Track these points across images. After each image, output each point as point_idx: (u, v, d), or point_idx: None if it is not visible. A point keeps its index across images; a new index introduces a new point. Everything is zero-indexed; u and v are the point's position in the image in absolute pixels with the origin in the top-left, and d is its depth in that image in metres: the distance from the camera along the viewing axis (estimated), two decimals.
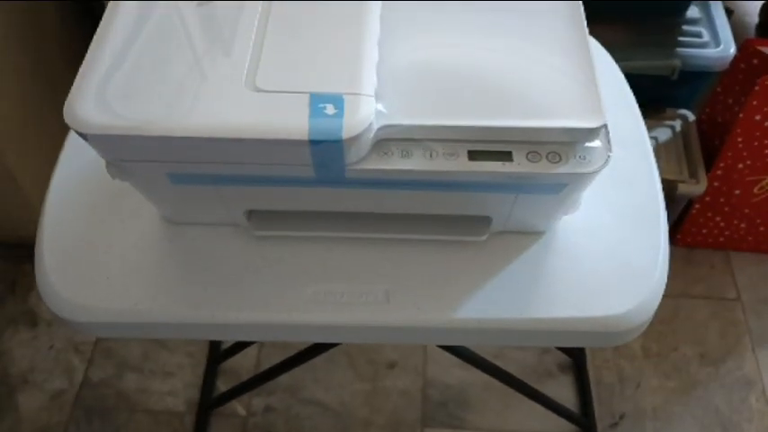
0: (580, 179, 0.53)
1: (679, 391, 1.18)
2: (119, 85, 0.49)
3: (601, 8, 0.85)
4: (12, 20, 1.11)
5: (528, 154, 0.52)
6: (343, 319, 0.59)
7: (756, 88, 1.04)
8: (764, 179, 1.18)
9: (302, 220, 0.62)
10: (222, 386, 1.18)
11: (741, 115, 1.08)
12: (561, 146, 0.52)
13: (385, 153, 0.52)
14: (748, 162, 1.15)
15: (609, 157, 0.52)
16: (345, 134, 0.47)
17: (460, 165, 0.52)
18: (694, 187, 1.18)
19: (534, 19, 0.57)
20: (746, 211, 1.24)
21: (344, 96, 0.49)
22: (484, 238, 0.62)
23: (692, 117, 1.28)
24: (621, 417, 1.14)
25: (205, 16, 0.54)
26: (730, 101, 1.20)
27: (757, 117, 1.08)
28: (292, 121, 0.47)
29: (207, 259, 0.62)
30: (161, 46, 0.52)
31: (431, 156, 0.52)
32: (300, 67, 0.51)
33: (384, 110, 0.50)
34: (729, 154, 1.15)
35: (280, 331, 0.61)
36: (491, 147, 0.52)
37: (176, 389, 1.18)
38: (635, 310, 0.60)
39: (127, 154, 0.50)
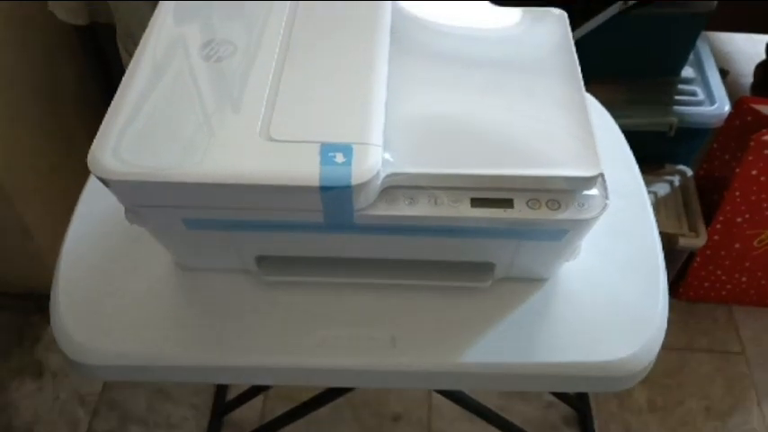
0: (579, 225, 0.55)
1: None
2: (140, 133, 0.52)
3: (599, 67, 0.89)
4: (31, 77, 1.16)
5: (528, 201, 0.54)
6: (351, 364, 0.61)
7: (751, 144, 1.07)
8: (763, 233, 1.19)
9: (311, 266, 0.64)
10: None
11: (738, 170, 1.11)
12: (560, 194, 0.55)
13: (392, 200, 0.54)
14: (747, 216, 1.17)
15: (606, 204, 0.54)
16: (354, 181, 0.50)
17: (463, 211, 0.54)
18: (694, 240, 1.20)
19: (533, 75, 0.60)
20: (747, 264, 1.26)
21: (353, 146, 0.51)
22: (488, 284, 0.64)
23: (690, 172, 1.31)
24: None
25: (223, 69, 0.57)
26: (727, 156, 1.23)
27: (753, 172, 1.11)
28: (304, 169, 0.50)
29: (218, 304, 0.64)
30: (180, 97, 0.55)
31: (435, 203, 0.54)
32: (312, 117, 0.54)
33: (391, 158, 0.53)
34: (728, 208, 1.17)
35: (288, 375, 0.62)
36: (493, 194, 0.55)
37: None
38: (637, 355, 0.61)
39: (145, 199, 0.53)
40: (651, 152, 1.29)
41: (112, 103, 0.54)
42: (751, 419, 1.20)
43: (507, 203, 0.54)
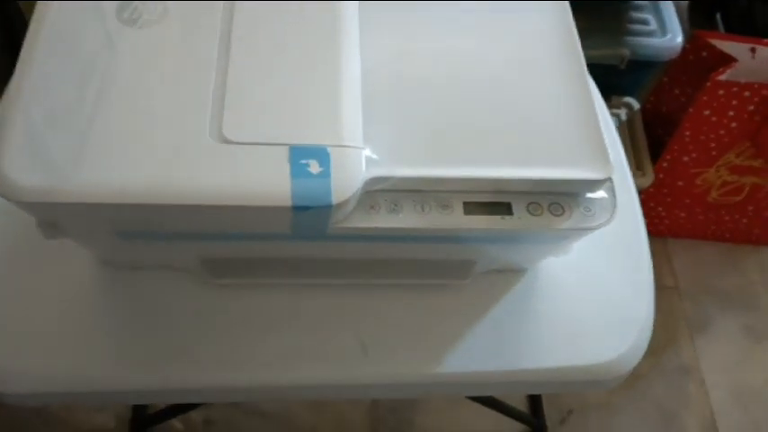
0: (584, 234, 0.48)
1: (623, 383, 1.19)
2: (54, 137, 0.40)
3: None
4: None
5: (528, 205, 0.47)
6: (316, 378, 0.53)
7: (708, 84, 1.03)
8: (707, 171, 1.18)
9: (266, 266, 0.55)
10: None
11: (690, 110, 1.07)
12: (564, 196, 0.47)
13: (371, 207, 0.45)
14: (694, 155, 1.15)
15: (615, 209, 0.48)
16: (335, 198, 0.41)
17: (455, 220, 0.46)
18: (641, 180, 1.17)
19: (531, 60, 0.51)
20: (687, 201, 1.25)
21: (329, 149, 0.42)
22: (467, 281, 0.57)
23: (637, 105, 1.26)
24: (569, 412, 1.14)
25: (151, 38, 0.45)
26: (677, 91, 1.19)
27: (706, 112, 1.07)
28: (271, 183, 0.40)
29: (153, 311, 0.54)
30: (99, 82, 0.43)
31: (422, 209, 0.46)
32: (273, 111, 0.43)
33: (372, 158, 0.44)
34: (676, 147, 1.14)
35: (242, 393, 0.54)
36: (488, 197, 0.47)
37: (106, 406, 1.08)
38: (625, 356, 0.57)
39: (70, 218, 0.42)
40: (597, 84, 1.23)
41: (8, 91, 0.41)
42: (682, 353, 1.23)
43: (505, 209, 0.47)
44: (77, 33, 0.45)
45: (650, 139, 1.22)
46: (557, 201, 0.47)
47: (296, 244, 0.48)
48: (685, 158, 1.16)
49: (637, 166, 1.18)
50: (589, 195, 0.48)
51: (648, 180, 1.16)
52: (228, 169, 0.40)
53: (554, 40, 0.53)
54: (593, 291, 0.59)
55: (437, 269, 0.56)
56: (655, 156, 1.19)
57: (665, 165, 1.17)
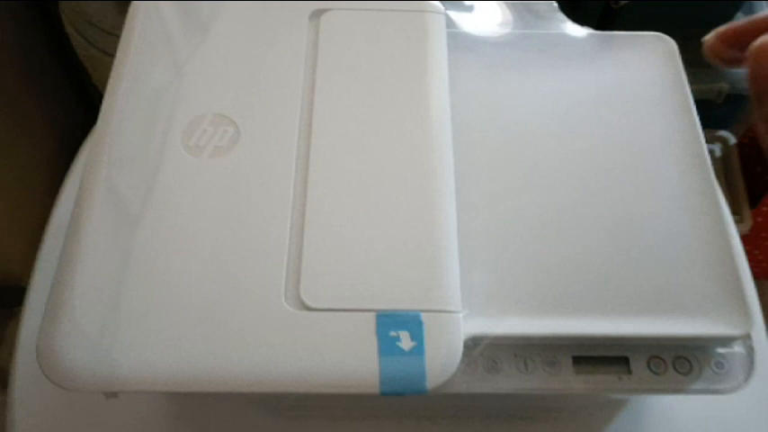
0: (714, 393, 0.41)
1: None
2: (108, 312, 0.35)
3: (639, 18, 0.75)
4: None
5: (649, 360, 0.40)
6: None
7: None
8: None
9: (341, 406, 0.49)
10: None
11: None
12: (691, 349, 0.40)
13: (467, 365, 0.39)
14: None
15: (753, 368, 0.41)
16: (430, 383, 0.35)
17: (564, 380, 0.40)
18: (738, 226, 1.07)
19: (643, 174, 0.44)
20: None
21: (422, 316, 0.36)
22: (563, 414, 0.51)
23: (732, 140, 1.16)
24: None
25: (219, 180, 0.40)
26: None
27: None
28: (357, 365, 0.35)
29: None
30: (156, 238, 0.38)
31: (526, 367, 0.40)
32: (356, 266, 0.38)
33: (467, 312, 0.38)
34: None
35: None
36: (602, 351, 0.40)
37: None
38: None
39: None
40: None
41: (60, 264, 0.36)
42: None
43: (622, 365, 0.40)
44: (137, 168, 0.40)
45: (747, 175, 1.12)
46: (683, 354, 0.40)
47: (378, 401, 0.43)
48: None
49: (734, 211, 1.09)
50: (721, 350, 0.41)
51: (746, 226, 1.07)
52: (307, 345, 0.35)
53: (675, 136, 0.46)
54: (705, 420, 0.52)
55: (531, 404, 0.50)
56: (751, 193, 1.09)
57: (764, 209, 1.07)
